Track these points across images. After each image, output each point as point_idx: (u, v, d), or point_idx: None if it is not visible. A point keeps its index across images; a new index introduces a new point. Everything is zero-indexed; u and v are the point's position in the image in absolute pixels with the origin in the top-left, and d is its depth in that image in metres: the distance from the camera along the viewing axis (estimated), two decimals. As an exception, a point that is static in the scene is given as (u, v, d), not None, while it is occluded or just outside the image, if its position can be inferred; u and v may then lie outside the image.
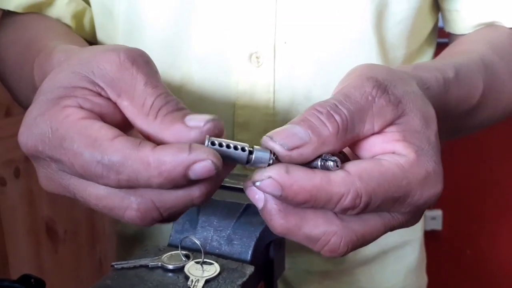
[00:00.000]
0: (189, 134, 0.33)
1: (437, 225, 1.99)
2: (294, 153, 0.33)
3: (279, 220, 0.34)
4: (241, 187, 0.40)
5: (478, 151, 1.89)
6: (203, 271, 0.39)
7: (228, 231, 0.42)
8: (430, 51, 0.67)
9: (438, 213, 1.98)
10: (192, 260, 0.40)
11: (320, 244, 0.34)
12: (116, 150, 0.32)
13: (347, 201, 0.33)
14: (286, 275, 0.68)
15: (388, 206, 0.34)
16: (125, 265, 0.40)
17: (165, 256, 0.40)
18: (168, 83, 0.60)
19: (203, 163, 0.31)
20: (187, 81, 0.60)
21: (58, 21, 0.62)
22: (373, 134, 0.35)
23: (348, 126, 0.34)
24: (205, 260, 0.40)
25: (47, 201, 1.37)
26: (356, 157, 0.37)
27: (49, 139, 0.33)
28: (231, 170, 0.35)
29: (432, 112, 0.37)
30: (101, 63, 0.35)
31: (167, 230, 0.45)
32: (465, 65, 0.51)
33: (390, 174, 0.33)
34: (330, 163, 0.33)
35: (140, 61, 0.35)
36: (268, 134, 0.33)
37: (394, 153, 0.35)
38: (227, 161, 0.33)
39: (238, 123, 0.60)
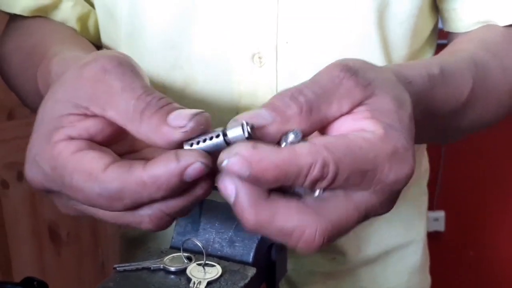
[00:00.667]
0: (175, 136, 0.34)
1: (440, 226, 1.99)
2: (258, 132, 0.33)
3: (250, 213, 0.33)
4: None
5: (480, 152, 1.89)
6: (205, 273, 0.39)
7: (230, 233, 0.43)
8: (431, 52, 0.67)
9: (440, 214, 1.98)
10: (194, 262, 0.40)
11: (294, 238, 0.34)
12: (111, 180, 0.33)
13: (315, 170, 0.32)
14: (290, 275, 0.68)
15: (357, 180, 0.34)
16: (127, 268, 0.40)
17: (167, 258, 0.40)
18: (171, 84, 0.60)
19: (193, 166, 0.33)
20: (191, 82, 0.60)
21: (63, 24, 0.63)
22: (342, 115, 0.35)
23: (313, 106, 0.34)
24: (207, 262, 0.40)
25: (49, 204, 1.36)
26: None
27: (51, 177, 0.35)
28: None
29: (405, 96, 0.38)
30: (78, 82, 0.36)
31: (171, 232, 0.45)
32: (452, 62, 0.51)
33: (356, 146, 0.33)
34: (291, 136, 0.33)
35: (111, 67, 0.36)
36: (234, 118, 0.34)
37: (363, 129, 0.35)
38: (212, 153, 0.34)
39: None
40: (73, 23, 0.63)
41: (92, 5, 0.64)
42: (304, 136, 0.34)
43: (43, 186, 0.36)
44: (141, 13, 0.59)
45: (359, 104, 0.35)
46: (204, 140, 0.34)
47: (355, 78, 0.35)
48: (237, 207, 0.34)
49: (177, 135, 0.34)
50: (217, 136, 0.34)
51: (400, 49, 0.61)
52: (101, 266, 1.57)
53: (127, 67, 0.36)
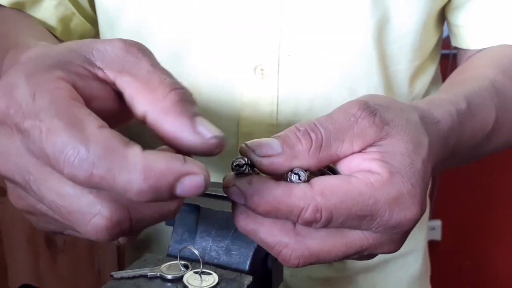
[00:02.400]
0: (191, 137, 0.30)
1: (437, 235, 1.99)
2: (265, 161, 0.34)
3: (240, 221, 0.36)
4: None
5: (476, 162, 1.89)
6: (202, 281, 0.39)
7: (227, 241, 0.43)
8: (434, 65, 0.68)
9: (437, 223, 1.98)
10: (191, 270, 0.40)
11: (274, 252, 0.36)
12: (100, 140, 0.27)
13: (307, 214, 0.34)
14: (289, 282, 0.68)
15: (353, 224, 0.35)
16: (124, 275, 0.40)
17: (164, 266, 0.40)
18: None
19: (195, 177, 0.29)
20: (194, 92, 0.60)
21: (39, 24, 0.61)
22: (353, 153, 0.36)
23: (323, 144, 0.35)
24: (203, 270, 0.40)
25: (46, 211, 1.37)
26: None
27: (27, 104, 0.28)
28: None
29: (424, 140, 0.37)
30: (102, 45, 0.32)
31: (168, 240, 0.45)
32: (476, 94, 0.51)
33: (356, 192, 0.34)
34: (293, 176, 0.35)
35: (147, 50, 0.33)
36: (246, 142, 0.35)
37: (369, 171, 0.35)
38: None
39: (243, 133, 0.61)
40: (53, 22, 0.62)
41: (78, 8, 0.64)
42: (312, 171, 0.35)
43: (4, 112, 0.29)
44: (147, 28, 0.60)
45: (372, 144, 0.36)
46: None
47: (371, 118, 0.35)
48: (233, 212, 0.36)
49: (193, 139, 0.30)
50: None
51: (399, 63, 0.61)
52: (98, 274, 1.56)
53: (155, 57, 0.33)
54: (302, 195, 0.34)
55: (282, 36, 0.58)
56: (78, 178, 0.27)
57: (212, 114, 0.61)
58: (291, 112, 0.60)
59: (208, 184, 0.29)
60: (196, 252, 0.40)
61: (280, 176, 0.35)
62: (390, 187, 0.34)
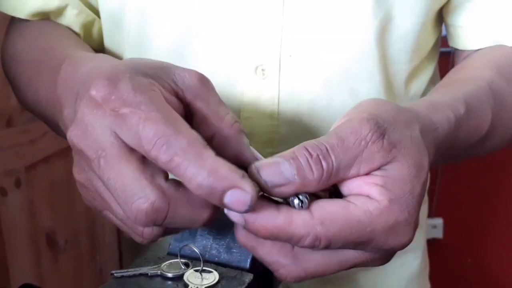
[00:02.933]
0: (248, 154, 0.36)
1: (438, 233, 1.99)
2: (276, 190, 0.35)
3: (241, 238, 0.37)
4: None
5: (478, 160, 1.89)
6: (202, 279, 0.39)
7: (227, 239, 0.43)
8: (432, 64, 0.67)
9: (439, 221, 1.98)
10: (191, 268, 0.40)
11: (271, 268, 0.38)
12: (188, 136, 0.33)
13: (306, 242, 0.34)
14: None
15: (350, 247, 0.36)
16: (124, 274, 0.40)
17: (164, 265, 0.40)
18: None
19: (245, 193, 0.33)
20: None
21: (68, 29, 0.64)
22: (358, 176, 0.36)
23: (333, 173, 0.35)
24: (204, 268, 0.40)
25: (47, 211, 1.37)
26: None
27: (129, 96, 0.34)
28: None
29: (425, 162, 0.38)
30: (182, 72, 0.38)
31: (169, 238, 0.45)
32: (474, 97, 0.51)
33: (354, 221, 0.35)
34: (296, 202, 0.35)
35: (214, 87, 0.39)
36: (256, 164, 0.35)
37: (368, 196, 0.35)
38: None
39: None
40: (77, 29, 0.64)
41: (97, 13, 0.65)
42: (314, 193, 0.36)
43: (105, 95, 0.34)
44: (148, 26, 0.60)
45: (377, 168, 0.36)
46: None
47: (380, 142, 0.36)
48: (234, 225, 0.37)
49: (249, 155, 0.37)
50: None
51: (399, 63, 0.61)
52: (99, 273, 1.57)
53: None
54: (302, 224, 0.34)
55: (284, 36, 0.58)
56: (160, 160, 0.33)
57: None
58: (292, 112, 0.60)
59: (253, 205, 0.33)
60: (196, 250, 0.40)
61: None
62: (388, 216, 0.35)
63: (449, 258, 1.96)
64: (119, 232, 1.57)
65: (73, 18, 0.64)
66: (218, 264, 0.41)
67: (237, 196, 0.32)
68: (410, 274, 0.74)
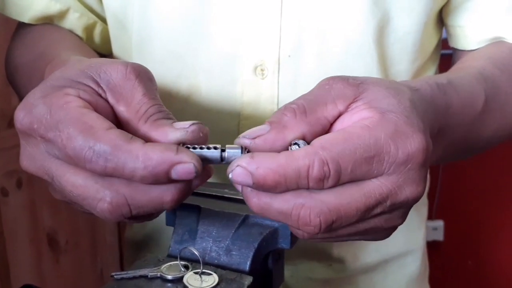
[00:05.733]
0: (175, 134, 0.36)
1: (439, 235, 1.98)
2: (258, 140, 0.35)
3: (253, 199, 0.36)
4: (240, 197, 0.40)
5: (479, 162, 1.89)
6: (202, 281, 0.39)
7: (227, 242, 0.43)
8: (435, 66, 0.68)
9: (439, 223, 1.98)
10: (191, 270, 0.40)
11: (293, 219, 0.35)
12: (109, 140, 0.34)
13: (315, 171, 0.34)
14: (288, 283, 0.68)
15: (365, 169, 0.35)
16: (124, 276, 0.40)
17: (164, 267, 0.41)
18: (176, 93, 0.62)
19: (186, 165, 0.34)
20: (194, 91, 0.61)
21: (70, 32, 0.66)
22: (341, 114, 0.37)
23: (306, 108, 0.36)
24: (204, 270, 0.40)
25: (49, 211, 1.37)
26: None
27: (47, 119, 0.35)
28: (205, 180, 0.38)
29: (403, 88, 0.39)
30: (109, 69, 0.38)
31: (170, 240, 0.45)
32: (461, 77, 0.52)
33: (354, 137, 0.35)
34: (293, 147, 0.35)
35: (144, 76, 0.39)
36: (235, 140, 0.36)
37: (361, 119, 0.36)
38: (205, 163, 0.36)
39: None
40: (79, 32, 0.66)
41: (98, 16, 0.67)
42: (308, 143, 0.36)
43: (30, 127, 0.36)
44: (149, 26, 0.61)
45: (354, 100, 0.37)
46: (202, 148, 0.36)
47: (344, 81, 0.37)
48: (244, 195, 0.36)
49: (178, 133, 0.36)
50: (215, 148, 0.36)
51: (399, 63, 0.61)
52: (100, 274, 1.57)
53: (154, 84, 0.40)
54: (304, 154, 0.34)
55: (282, 36, 0.58)
56: (97, 170, 0.34)
57: (212, 113, 0.61)
58: None
59: (199, 168, 0.34)
60: (196, 252, 0.40)
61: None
62: (385, 123, 0.35)
63: (449, 261, 1.96)
64: (120, 232, 1.57)
65: (75, 21, 0.65)
66: (217, 267, 0.41)
67: (180, 170, 0.34)
68: (410, 277, 0.74)
